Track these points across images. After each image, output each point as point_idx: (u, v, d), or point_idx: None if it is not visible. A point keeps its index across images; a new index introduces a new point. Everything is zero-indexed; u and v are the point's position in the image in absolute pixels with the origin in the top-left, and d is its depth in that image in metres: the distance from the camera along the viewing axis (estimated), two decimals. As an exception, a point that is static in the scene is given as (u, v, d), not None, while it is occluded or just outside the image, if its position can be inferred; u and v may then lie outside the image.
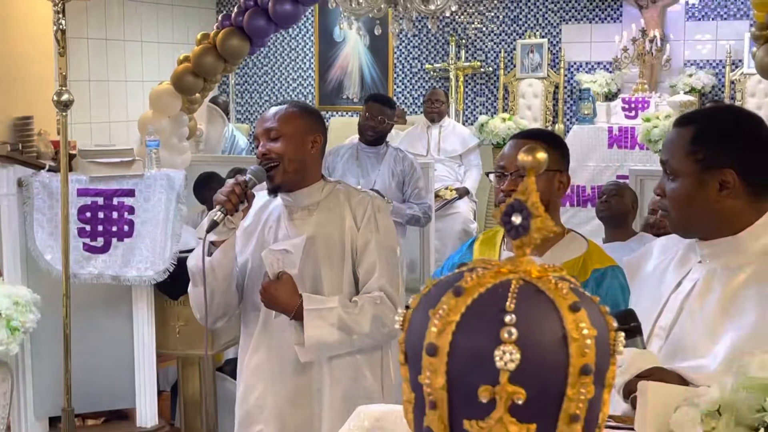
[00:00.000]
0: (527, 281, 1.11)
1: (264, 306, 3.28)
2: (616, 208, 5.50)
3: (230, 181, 3.22)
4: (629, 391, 2.17)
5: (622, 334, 1.14)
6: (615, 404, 2.36)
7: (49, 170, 4.92)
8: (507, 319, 1.07)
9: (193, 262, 3.33)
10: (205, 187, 6.61)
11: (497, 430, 1.06)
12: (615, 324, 1.19)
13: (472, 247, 3.23)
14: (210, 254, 3.21)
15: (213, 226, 3.13)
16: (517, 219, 1.12)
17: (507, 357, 1.05)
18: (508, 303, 1.08)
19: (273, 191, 3.31)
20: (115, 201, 4.92)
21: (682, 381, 2.14)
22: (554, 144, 3.04)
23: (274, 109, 3.39)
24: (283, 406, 3.33)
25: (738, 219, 2.28)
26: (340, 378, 3.32)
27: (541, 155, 1.14)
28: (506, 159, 2.97)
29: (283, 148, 3.27)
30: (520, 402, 1.06)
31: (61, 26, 4.65)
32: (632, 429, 1.98)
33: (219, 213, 3.12)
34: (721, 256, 2.31)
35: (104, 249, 4.91)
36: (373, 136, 6.20)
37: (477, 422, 1.08)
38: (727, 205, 2.26)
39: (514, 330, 1.06)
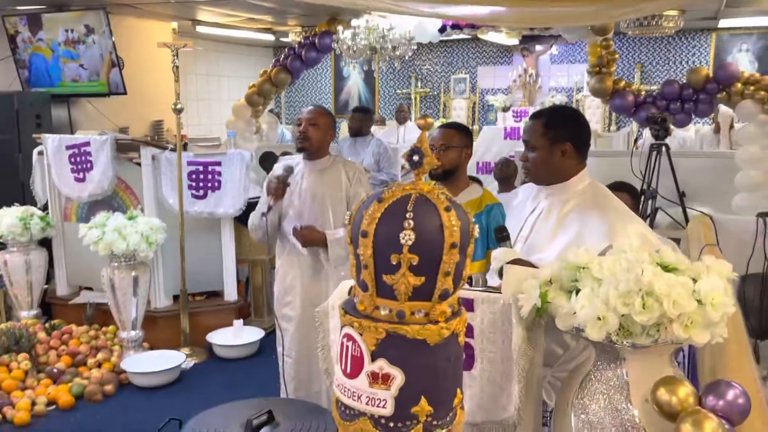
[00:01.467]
0: (421, 194, 1.11)
1: (302, 244, 3.27)
2: (505, 173, 5.48)
3: (277, 172, 3.25)
4: (501, 273, 2.17)
5: (477, 225, 1.14)
6: (495, 281, 2.36)
7: (170, 150, 4.89)
8: (407, 215, 1.07)
9: (255, 220, 3.37)
10: (265, 161, 6.57)
11: (402, 281, 1.07)
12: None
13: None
14: (268, 210, 3.24)
15: (269, 209, 3.20)
16: (416, 158, 1.12)
17: (407, 237, 1.06)
18: (408, 206, 1.08)
19: (300, 151, 3.31)
20: (210, 168, 4.90)
21: (532, 266, 2.14)
22: (463, 131, 2.96)
23: (315, 107, 3.37)
24: (306, 284, 3.34)
25: (569, 172, 2.27)
26: (339, 269, 3.33)
27: (430, 120, 1.13)
28: (433, 140, 2.91)
29: (314, 132, 3.26)
30: (414, 263, 1.07)
31: (175, 63, 4.61)
32: (500, 293, 1.98)
33: (271, 199, 3.21)
34: (557, 194, 2.30)
35: (204, 197, 4.90)
36: (353, 131, 6.10)
37: (390, 276, 1.09)
38: (565, 165, 2.25)
39: (411, 221, 1.07)
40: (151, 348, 4.63)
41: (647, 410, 1.69)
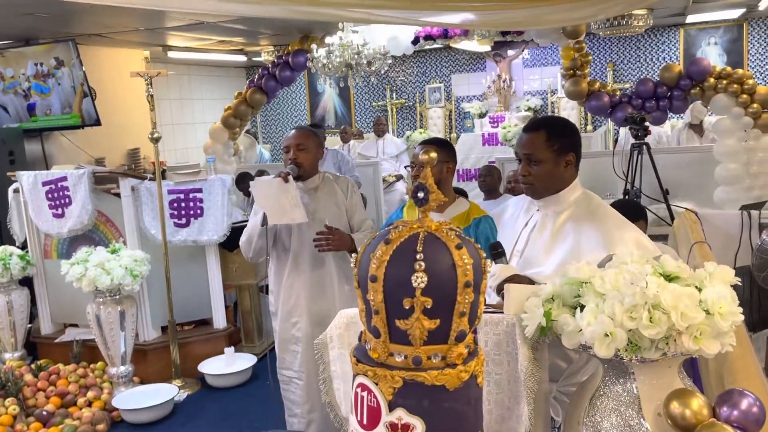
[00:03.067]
0: (429, 232, 1.06)
1: (334, 248, 3.14)
2: (490, 184, 5.41)
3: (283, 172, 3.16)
4: (499, 290, 2.13)
5: (489, 259, 1.09)
6: (492, 298, 2.32)
7: (150, 179, 4.80)
8: (418, 256, 1.02)
9: (246, 237, 3.27)
10: (241, 182, 6.49)
11: (416, 325, 1.02)
12: (486, 253, 1.12)
13: (403, 209, 3.16)
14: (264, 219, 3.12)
15: (264, 218, 3.08)
16: (421, 194, 1.07)
17: (419, 280, 1.01)
18: (418, 246, 1.03)
19: (296, 178, 3.20)
20: (191, 195, 4.81)
21: (530, 281, 2.10)
22: (444, 146, 2.92)
23: (299, 130, 3.28)
24: (310, 302, 3.24)
25: (566, 182, 2.23)
26: (346, 279, 3.26)
27: (433, 154, 1.09)
28: (415, 157, 2.86)
29: (305, 156, 3.20)
30: (428, 307, 1.02)
31: (150, 92, 4.52)
32: (502, 312, 1.94)
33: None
34: (551, 205, 2.26)
35: (186, 224, 4.81)
36: None
37: (403, 321, 1.03)
38: (567, 175, 2.21)
39: (422, 263, 1.02)
40: (142, 382, 4.52)
41: (660, 424, 1.65)
